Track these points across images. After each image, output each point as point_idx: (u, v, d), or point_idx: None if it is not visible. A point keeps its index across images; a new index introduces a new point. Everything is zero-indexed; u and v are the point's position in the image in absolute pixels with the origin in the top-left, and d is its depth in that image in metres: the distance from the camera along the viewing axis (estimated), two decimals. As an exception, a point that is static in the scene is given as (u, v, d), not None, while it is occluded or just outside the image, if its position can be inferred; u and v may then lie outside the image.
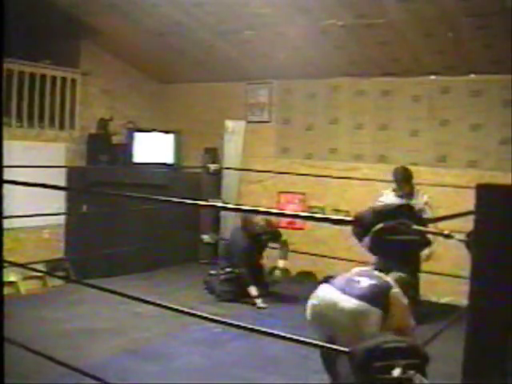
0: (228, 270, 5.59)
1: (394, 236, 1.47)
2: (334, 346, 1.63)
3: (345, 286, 2.77)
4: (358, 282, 2.78)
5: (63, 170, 6.00)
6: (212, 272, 5.82)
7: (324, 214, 6.23)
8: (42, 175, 4.53)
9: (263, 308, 5.29)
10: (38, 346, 2.85)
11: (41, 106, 6.11)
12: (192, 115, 7.48)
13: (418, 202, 4.85)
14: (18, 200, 4.25)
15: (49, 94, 6.17)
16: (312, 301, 2.90)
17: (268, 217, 5.46)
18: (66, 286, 5.69)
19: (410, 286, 3.23)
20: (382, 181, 5.65)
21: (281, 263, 5.70)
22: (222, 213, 7.04)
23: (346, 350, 1.50)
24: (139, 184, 6.15)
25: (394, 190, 5.07)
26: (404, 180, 4.99)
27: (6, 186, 2.04)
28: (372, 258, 3.43)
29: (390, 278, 2.78)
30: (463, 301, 1.61)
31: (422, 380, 1.37)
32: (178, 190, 6.07)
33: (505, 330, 1.42)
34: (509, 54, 4.74)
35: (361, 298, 2.63)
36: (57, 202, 5.85)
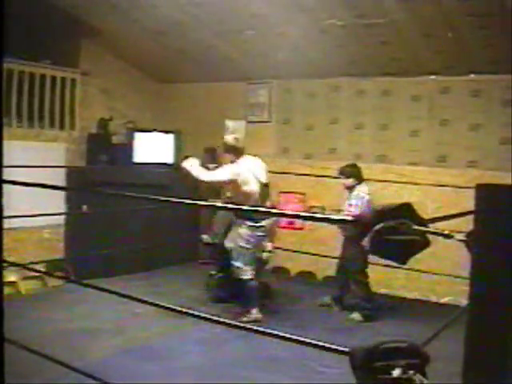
0: (220, 274, 5.57)
1: (394, 236, 1.47)
2: (334, 347, 1.63)
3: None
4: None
5: (63, 169, 6.00)
6: (212, 272, 5.82)
7: (324, 213, 6.23)
8: (42, 175, 4.53)
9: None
10: (37, 346, 2.85)
11: (41, 105, 6.11)
12: (192, 115, 7.48)
13: (352, 195, 5.12)
14: (18, 200, 4.24)
15: (49, 94, 6.17)
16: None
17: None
18: (66, 285, 5.69)
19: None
20: (381, 181, 5.66)
21: (268, 246, 5.54)
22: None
23: (346, 350, 1.49)
24: (139, 184, 6.15)
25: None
26: (347, 176, 5.21)
27: (5, 186, 2.04)
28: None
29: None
30: (463, 301, 1.61)
31: (422, 380, 1.37)
32: (177, 190, 6.07)
33: (505, 330, 1.42)
34: (509, 54, 4.74)
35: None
36: (57, 202, 5.85)
